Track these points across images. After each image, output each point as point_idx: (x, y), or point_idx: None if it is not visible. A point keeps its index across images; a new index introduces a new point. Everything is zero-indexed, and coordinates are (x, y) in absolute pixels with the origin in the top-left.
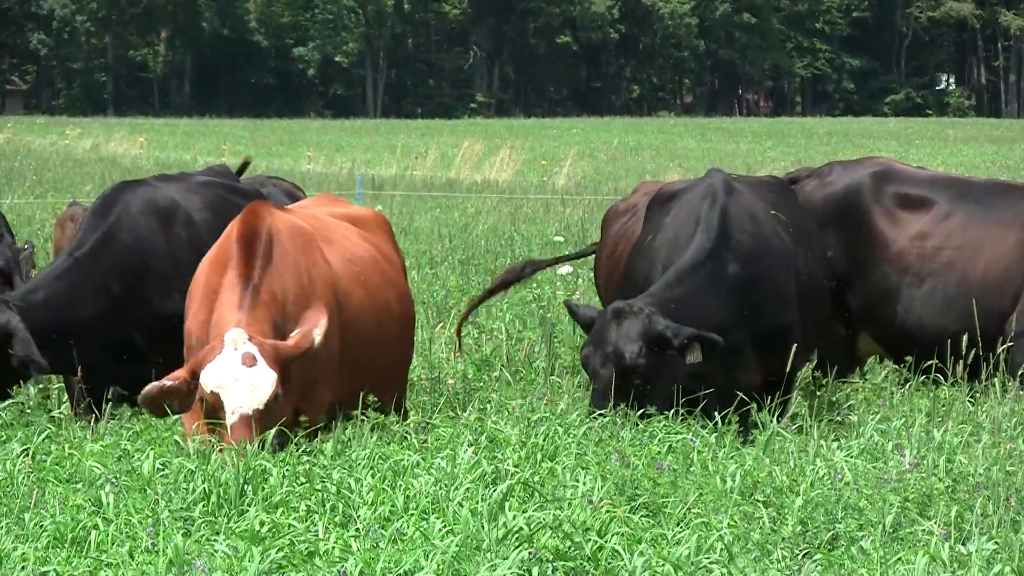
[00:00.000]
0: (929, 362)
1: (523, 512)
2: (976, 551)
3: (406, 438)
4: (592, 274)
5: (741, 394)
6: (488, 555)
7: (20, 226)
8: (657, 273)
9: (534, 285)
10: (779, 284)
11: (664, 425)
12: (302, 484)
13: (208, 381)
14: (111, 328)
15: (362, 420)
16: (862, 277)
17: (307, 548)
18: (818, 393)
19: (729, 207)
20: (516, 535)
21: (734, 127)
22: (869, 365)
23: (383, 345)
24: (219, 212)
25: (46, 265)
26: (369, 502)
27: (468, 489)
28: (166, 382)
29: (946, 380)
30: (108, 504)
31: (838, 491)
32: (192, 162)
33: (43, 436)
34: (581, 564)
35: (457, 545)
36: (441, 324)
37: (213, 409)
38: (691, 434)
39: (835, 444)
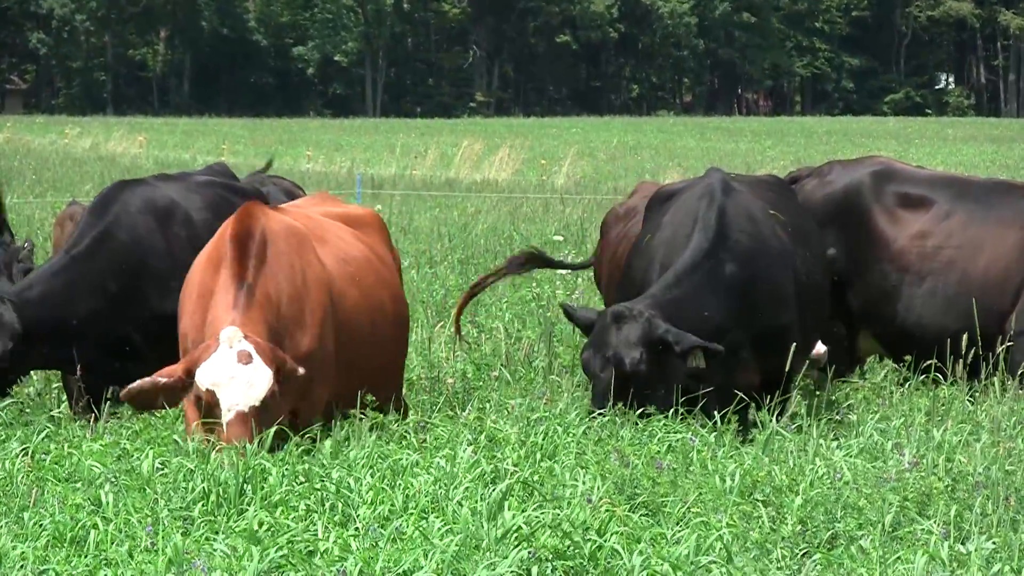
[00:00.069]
0: (929, 361)
1: (522, 511)
2: (975, 550)
3: (405, 437)
4: (592, 274)
5: (740, 393)
6: (487, 554)
7: (20, 225)
8: (655, 272)
9: (534, 284)
10: (777, 284)
11: (663, 424)
12: (301, 483)
13: (204, 379)
14: (108, 327)
15: (360, 419)
16: (862, 276)
17: (306, 547)
18: (817, 392)
19: (727, 207)
20: (515, 534)
21: (733, 126)
22: (869, 364)
23: (377, 345)
24: (218, 212)
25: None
26: (368, 501)
27: (467, 488)
28: (159, 378)
29: (945, 379)
30: (107, 503)
31: (837, 490)
32: (191, 161)
33: (42, 435)
34: (580, 563)
35: (456, 544)
36: (441, 324)
37: (209, 407)
38: (690, 433)
39: (834, 443)
